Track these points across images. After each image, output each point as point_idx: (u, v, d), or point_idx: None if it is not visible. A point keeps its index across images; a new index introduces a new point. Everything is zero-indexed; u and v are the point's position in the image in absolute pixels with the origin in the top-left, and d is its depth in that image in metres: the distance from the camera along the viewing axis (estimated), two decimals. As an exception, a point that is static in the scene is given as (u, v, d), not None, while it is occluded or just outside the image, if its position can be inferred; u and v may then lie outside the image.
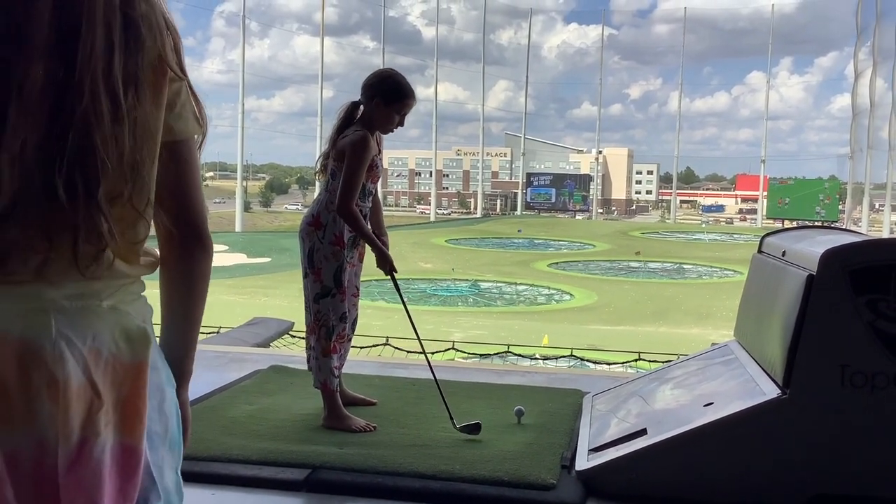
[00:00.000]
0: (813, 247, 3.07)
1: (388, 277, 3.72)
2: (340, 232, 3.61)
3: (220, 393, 4.13)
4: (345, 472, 3.09)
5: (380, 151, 3.78)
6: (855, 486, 2.83)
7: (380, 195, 3.96)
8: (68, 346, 1.19)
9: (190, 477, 3.05)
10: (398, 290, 3.83)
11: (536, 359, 11.81)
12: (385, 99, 3.62)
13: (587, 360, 11.64)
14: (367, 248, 3.75)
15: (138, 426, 1.25)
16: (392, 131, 3.72)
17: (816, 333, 2.84)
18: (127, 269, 1.27)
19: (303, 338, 7.52)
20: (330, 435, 3.50)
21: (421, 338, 3.97)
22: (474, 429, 3.51)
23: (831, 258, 2.84)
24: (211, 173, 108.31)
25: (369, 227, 3.68)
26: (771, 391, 2.92)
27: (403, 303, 3.91)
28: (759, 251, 3.83)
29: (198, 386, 4.22)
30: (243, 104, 47.24)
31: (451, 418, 3.54)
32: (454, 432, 3.51)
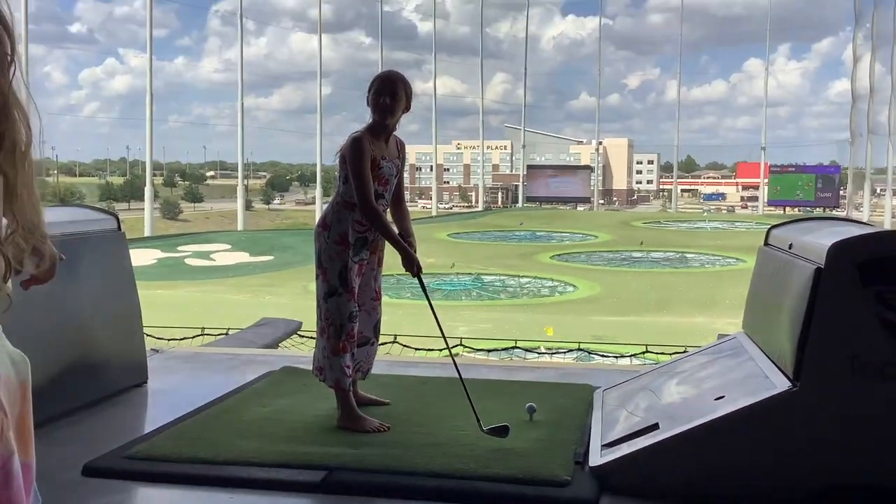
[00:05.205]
0: (820, 239, 3.09)
1: (416, 278, 3.77)
2: (344, 232, 3.68)
3: (232, 396, 4.16)
4: (361, 472, 3.12)
5: (403, 158, 3.87)
6: (866, 475, 2.85)
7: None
8: None
9: (207, 480, 3.12)
10: (425, 290, 3.90)
11: (544, 353, 11.84)
12: (368, 93, 3.75)
13: (595, 353, 11.68)
14: (388, 250, 3.82)
15: (30, 444, 1.26)
16: (386, 111, 3.69)
17: (825, 326, 2.86)
18: None
19: (311, 337, 7.55)
20: (345, 436, 3.53)
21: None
22: (502, 431, 3.38)
23: (839, 251, 2.86)
24: (212, 172, 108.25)
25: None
26: (781, 384, 2.95)
27: (430, 304, 3.93)
28: (766, 244, 3.85)
29: (210, 388, 4.28)
30: (242, 103, 47.12)
31: (478, 420, 3.45)
32: (467, 430, 3.52)
